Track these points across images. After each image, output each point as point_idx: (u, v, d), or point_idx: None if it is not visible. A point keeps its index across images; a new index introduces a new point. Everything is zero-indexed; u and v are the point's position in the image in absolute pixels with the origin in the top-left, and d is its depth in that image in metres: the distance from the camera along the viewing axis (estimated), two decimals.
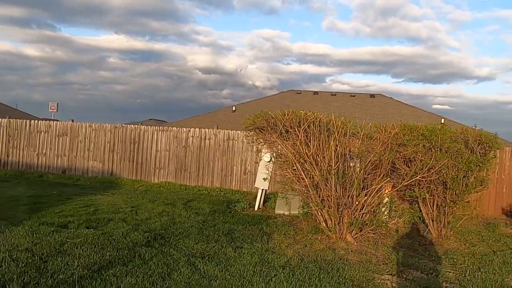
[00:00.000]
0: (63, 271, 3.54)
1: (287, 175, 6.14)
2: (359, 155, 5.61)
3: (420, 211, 6.40)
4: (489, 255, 5.29)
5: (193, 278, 3.65)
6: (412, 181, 5.60)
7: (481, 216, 8.05)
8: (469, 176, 5.78)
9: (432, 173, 5.58)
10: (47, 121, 11.86)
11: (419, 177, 5.59)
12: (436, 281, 4.18)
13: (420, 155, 5.64)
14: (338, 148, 5.59)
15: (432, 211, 6.04)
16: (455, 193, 5.79)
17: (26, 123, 11.70)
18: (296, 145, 5.81)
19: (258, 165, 8.49)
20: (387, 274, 4.30)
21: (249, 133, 7.06)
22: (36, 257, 3.85)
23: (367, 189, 5.57)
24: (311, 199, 5.77)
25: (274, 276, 3.88)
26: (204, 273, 3.81)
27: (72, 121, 11.53)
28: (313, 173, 5.64)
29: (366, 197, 5.52)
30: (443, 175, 5.69)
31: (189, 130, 10.66)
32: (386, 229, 5.90)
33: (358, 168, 5.64)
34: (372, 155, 5.56)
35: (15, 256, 3.85)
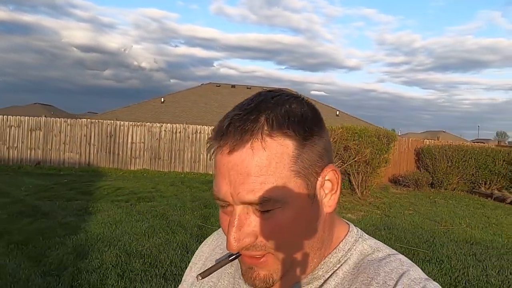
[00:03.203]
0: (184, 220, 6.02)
1: None
2: None
3: (349, 181, 10.02)
4: (388, 203, 9.12)
5: None
6: (350, 162, 9.12)
7: (379, 183, 12.21)
8: (380, 157, 9.55)
9: (360, 156, 9.17)
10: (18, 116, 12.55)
11: (353, 160, 9.13)
12: (375, 214, 7.70)
13: (354, 145, 9.17)
14: None
15: (359, 180, 9.69)
16: (372, 168, 9.51)
17: None
18: None
19: None
20: (348, 214, 7.68)
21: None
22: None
23: None
24: None
25: None
26: None
27: (45, 116, 12.52)
28: None
29: None
30: (365, 156, 9.33)
31: (162, 125, 12.75)
32: None
33: None
34: None
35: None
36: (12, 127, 12.29)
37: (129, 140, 12.60)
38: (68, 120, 12.51)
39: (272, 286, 0.56)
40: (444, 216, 7.81)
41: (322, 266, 0.58)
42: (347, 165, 9.05)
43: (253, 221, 0.52)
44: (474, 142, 19.91)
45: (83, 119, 12.55)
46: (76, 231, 5.24)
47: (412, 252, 5.09)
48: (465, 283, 4.08)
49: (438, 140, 14.92)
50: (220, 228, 0.74)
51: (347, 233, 0.62)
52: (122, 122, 12.66)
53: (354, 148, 9.15)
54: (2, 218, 5.80)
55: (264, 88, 23.33)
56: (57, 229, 5.36)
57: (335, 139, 8.96)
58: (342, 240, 0.60)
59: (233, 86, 27.40)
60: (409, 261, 0.58)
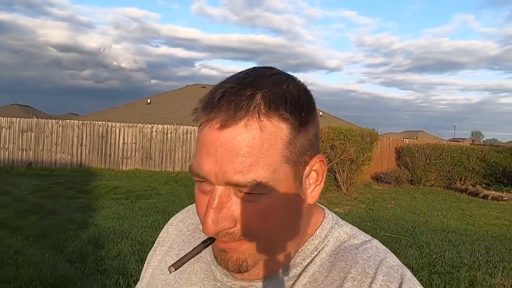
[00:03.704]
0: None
1: None
2: None
3: (335, 178, 10.60)
4: (372, 198, 9.75)
5: None
6: (336, 160, 9.69)
7: (362, 180, 12.86)
8: (363, 156, 10.16)
9: (345, 154, 9.75)
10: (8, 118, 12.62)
11: (339, 158, 9.70)
12: (360, 208, 8.26)
13: (339, 144, 9.74)
14: None
15: (344, 177, 10.28)
16: (356, 166, 10.11)
17: None
18: None
19: None
20: (336, 208, 8.23)
21: None
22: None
23: None
24: None
25: None
26: None
27: (36, 117, 12.65)
28: None
29: None
30: (350, 155, 9.92)
31: (153, 126, 13.07)
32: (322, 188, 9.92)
33: None
34: None
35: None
36: (3, 129, 12.38)
37: (121, 141, 12.86)
38: (60, 121, 12.69)
39: (246, 271, 0.54)
40: (423, 209, 8.47)
41: (299, 254, 0.57)
42: (333, 163, 9.61)
43: (234, 205, 0.49)
44: (451, 142, 20.90)
45: (74, 121, 12.74)
46: (86, 225, 5.60)
47: (396, 239, 5.65)
48: (442, 264, 4.65)
49: (416, 139, 15.73)
50: (189, 206, 0.72)
51: (323, 219, 0.61)
52: (114, 123, 12.91)
53: (340, 147, 9.72)
54: (12, 215, 6.08)
55: None
56: (66, 224, 5.70)
57: (322, 139, 9.51)
58: (318, 227, 0.60)
59: None
60: (384, 247, 0.59)
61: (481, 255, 5.04)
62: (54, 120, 12.69)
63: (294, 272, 0.56)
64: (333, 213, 0.64)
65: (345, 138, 9.72)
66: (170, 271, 0.51)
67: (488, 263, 4.70)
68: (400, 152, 13.91)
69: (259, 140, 0.48)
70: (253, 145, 0.47)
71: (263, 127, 0.48)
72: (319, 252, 0.57)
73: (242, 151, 0.47)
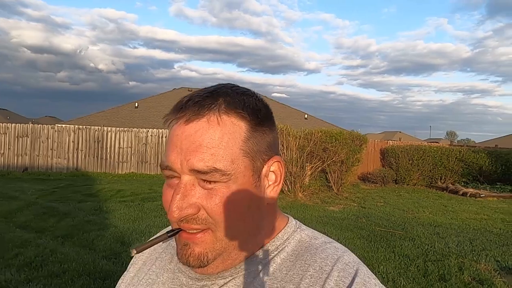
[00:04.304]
0: None
1: None
2: (300, 148, 9.98)
3: (326, 179, 11.21)
4: (361, 197, 10.40)
5: None
6: (328, 162, 10.30)
7: (351, 181, 13.54)
8: (353, 157, 10.81)
9: (337, 156, 10.37)
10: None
11: (331, 160, 10.31)
12: (352, 206, 8.88)
13: (331, 147, 10.36)
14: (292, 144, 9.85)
15: (335, 178, 10.90)
16: (347, 167, 10.75)
17: None
18: None
19: None
20: (330, 207, 8.82)
21: None
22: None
23: (306, 167, 10.01)
24: None
25: None
26: None
27: (32, 122, 12.78)
28: None
29: (306, 171, 9.97)
30: (341, 157, 10.55)
31: (148, 130, 13.38)
32: (313, 189, 10.50)
33: (299, 155, 10.01)
34: (308, 148, 10.02)
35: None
36: None
37: (117, 145, 13.13)
38: (56, 126, 12.86)
39: (206, 265, 0.56)
40: (410, 206, 9.16)
41: (260, 253, 0.60)
42: (326, 164, 10.22)
43: (198, 193, 0.54)
44: (429, 142, 21.91)
45: (70, 125, 12.94)
46: (105, 227, 5.97)
47: (390, 233, 6.26)
48: (433, 253, 5.26)
49: (400, 141, 16.57)
50: (165, 229, 0.71)
51: (287, 224, 0.64)
52: (109, 128, 13.17)
53: (332, 149, 10.33)
54: (31, 218, 6.39)
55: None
56: (86, 225, 6.05)
57: (315, 142, 10.11)
58: (281, 230, 0.63)
59: None
60: (344, 247, 0.61)
61: (466, 245, 5.69)
62: (49, 125, 12.86)
63: (253, 269, 0.58)
64: (297, 220, 0.67)
65: (336, 141, 10.34)
66: (132, 253, 0.56)
67: (473, 252, 5.36)
68: (384, 153, 14.68)
69: (219, 133, 0.53)
70: (214, 138, 0.53)
71: (223, 122, 0.54)
72: (280, 251, 0.60)
73: (204, 143, 0.53)
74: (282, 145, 9.82)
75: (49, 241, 5.10)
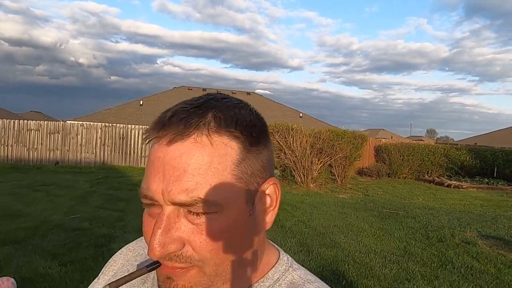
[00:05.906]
0: None
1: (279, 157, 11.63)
2: (311, 145, 11.53)
3: (331, 172, 12.82)
4: (362, 187, 12.05)
5: None
6: (336, 157, 11.90)
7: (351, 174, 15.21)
8: (355, 153, 12.45)
9: (343, 152, 11.98)
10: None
11: (338, 156, 11.91)
12: (358, 195, 10.50)
13: (337, 144, 11.96)
14: (301, 142, 11.40)
15: (339, 171, 12.52)
16: (350, 161, 12.38)
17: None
18: (281, 140, 11.36)
19: None
20: (339, 195, 10.41)
21: None
22: None
23: (316, 162, 11.58)
24: (292, 167, 11.44)
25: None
26: None
27: (63, 120, 13.95)
28: (292, 155, 11.31)
29: (316, 166, 11.55)
30: (346, 152, 12.17)
31: None
32: (322, 180, 12.10)
33: (310, 151, 11.58)
34: (318, 145, 11.59)
35: None
36: (32, 131, 13.59)
37: (139, 141, 14.42)
38: (85, 124, 14.06)
39: None
40: (405, 194, 10.86)
41: None
42: (333, 160, 11.82)
43: (183, 226, 0.47)
44: (416, 140, 23.85)
45: (98, 123, 14.18)
46: None
47: (395, 213, 7.89)
48: (431, 226, 6.90)
49: (391, 139, 18.36)
50: (141, 237, 0.66)
51: (277, 260, 0.58)
52: (133, 126, 14.44)
53: (339, 146, 11.94)
54: (102, 203, 7.72)
55: (233, 91, 25.86)
56: None
57: (324, 140, 11.69)
58: (272, 268, 0.57)
59: (204, 89, 29.41)
60: None
61: (455, 222, 7.36)
62: (79, 123, 14.05)
63: None
64: (288, 256, 0.61)
65: (342, 139, 11.95)
66: None
67: (460, 225, 7.03)
68: (378, 150, 16.42)
69: (208, 157, 0.46)
70: (201, 162, 0.46)
71: (212, 144, 0.47)
72: None
73: (189, 169, 0.45)
74: (295, 143, 11.37)
75: (134, 217, 6.50)
